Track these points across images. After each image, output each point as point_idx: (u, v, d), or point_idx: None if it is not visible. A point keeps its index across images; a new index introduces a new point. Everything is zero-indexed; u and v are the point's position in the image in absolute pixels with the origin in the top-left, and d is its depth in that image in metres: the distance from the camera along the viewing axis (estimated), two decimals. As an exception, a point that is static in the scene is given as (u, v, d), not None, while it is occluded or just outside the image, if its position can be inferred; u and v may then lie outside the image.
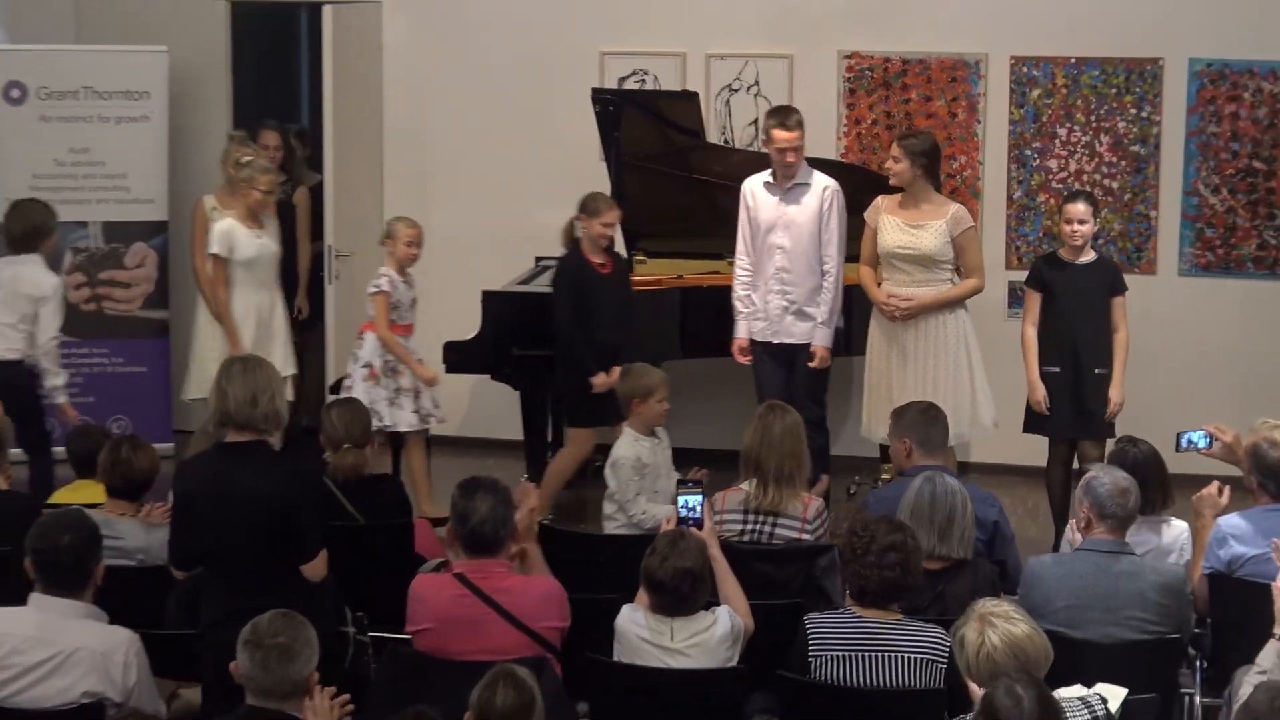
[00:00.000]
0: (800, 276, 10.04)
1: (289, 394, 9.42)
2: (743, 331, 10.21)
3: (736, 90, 12.04)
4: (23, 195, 11.53)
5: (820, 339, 10.05)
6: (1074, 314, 9.58)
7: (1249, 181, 11.46)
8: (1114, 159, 11.56)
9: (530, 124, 11.97)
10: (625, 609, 6.54)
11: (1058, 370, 9.60)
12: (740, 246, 10.20)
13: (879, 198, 10.08)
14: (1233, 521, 7.20)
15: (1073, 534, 7.17)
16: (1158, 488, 7.49)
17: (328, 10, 11.87)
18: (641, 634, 6.41)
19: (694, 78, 11.97)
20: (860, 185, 10.77)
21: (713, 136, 11.68)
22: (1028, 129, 11.68)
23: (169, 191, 12.04)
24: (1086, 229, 9.50)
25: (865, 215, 10.01)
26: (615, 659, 6.42)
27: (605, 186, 10.85)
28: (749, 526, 7.67)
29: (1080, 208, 9.55)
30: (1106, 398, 9.46)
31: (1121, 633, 6.66)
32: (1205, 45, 11.44)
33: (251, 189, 10.41)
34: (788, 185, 10.03)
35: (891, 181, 9.89)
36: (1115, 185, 11.49)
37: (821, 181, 10.11)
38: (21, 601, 6.30)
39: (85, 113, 11.88)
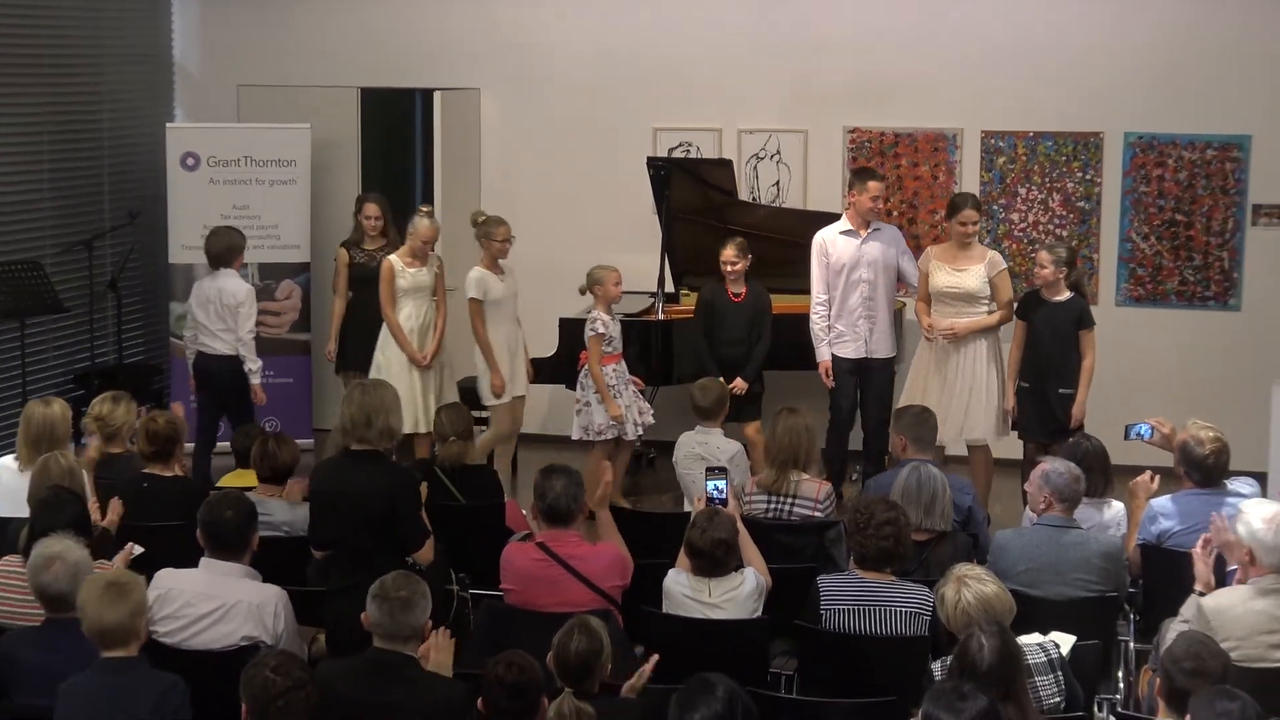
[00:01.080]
0: (880, 304, 9.94)
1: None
2: (825, 355, 10.03)
3: (762, 158, 11.99)
4: (197, 244, 11.66)
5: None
6: (1046, 342, 9.41)
7: (1172, 230, 11.39)
8: (1064, 213, 11.50)
9: (597, 185, 11.96)
10: (671, 572, 6.54)
11: (1028, 386, 9.47)
12: (818, 286, 10.04)
13: (930, 247, 10.07)
14: (1162, 503, 7.20)
15: (1030, 512, 7.13)
16: (1101, 475, 7.45)
17: (437, 95, 11.94)
18: (685, 592, 6.41)
19: (728, 148, 11.94)
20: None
21: (744, 195, 11.64)
22: (995, 189, 11.62)
23: (311, 239, 12.08)
24: (1045, 273, 9.31)
25: (919, 262, 9.92)
26: (664, 612, 6.42)
27: (658, 237, 10.86)
28: (771, 505, 7.66)
29: (1040, 255, 9.44)
30: (1069, 412, 9.36)
31: (1070, 591, 6.63)
32: (1137, 122, 11.40)
33: (491, 240, 10.15)
34: (869, 231, 9.91)
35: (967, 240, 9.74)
36: (1065, 234, 11.42)
37: (890, 230, 10.09)
38: (194, 564, 6.34)
39: (245, 177, 11.92)
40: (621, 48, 12.16)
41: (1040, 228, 11.47)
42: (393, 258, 10.28)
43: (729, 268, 9.98)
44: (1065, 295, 9.43)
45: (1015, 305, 9.66)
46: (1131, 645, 7.02)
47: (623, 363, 10.10)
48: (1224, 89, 11.26)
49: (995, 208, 11.56)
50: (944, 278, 9.68)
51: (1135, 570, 7.16)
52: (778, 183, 11.98)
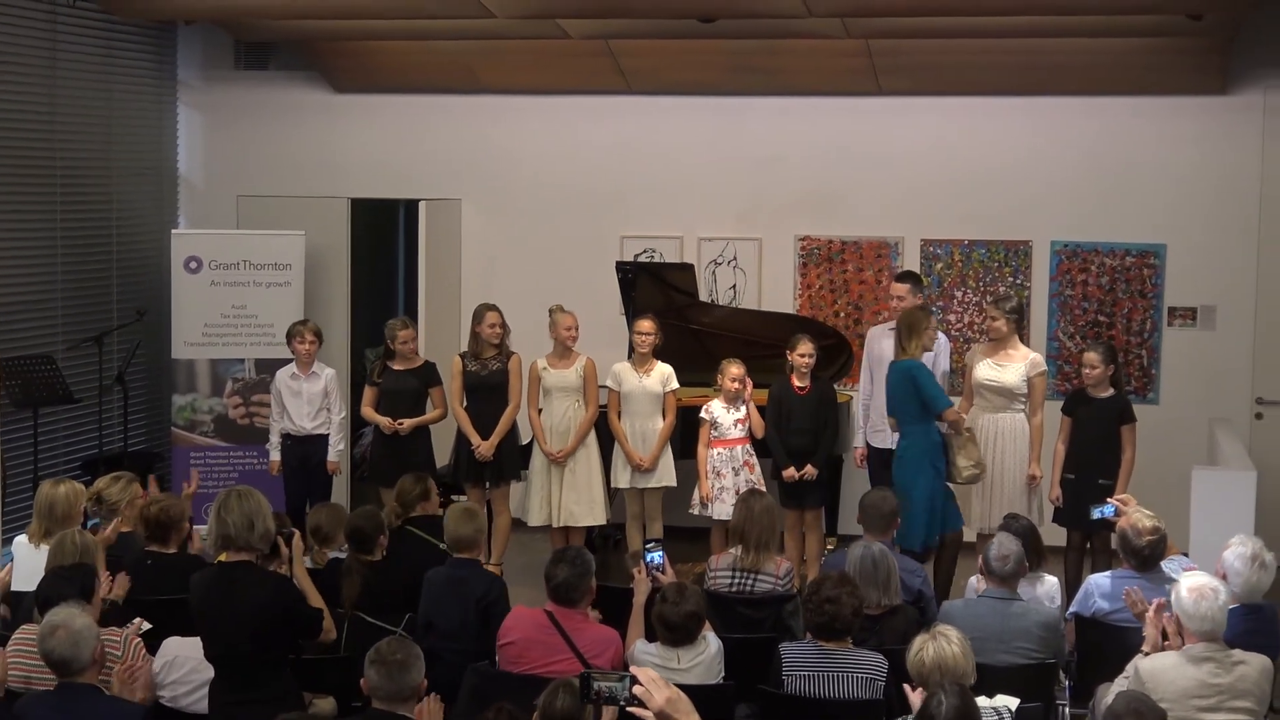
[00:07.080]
0: None
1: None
2: (859, 442, 10.10)
3: (720, 264, 12.05)
4: (198, 341, 11.57)
5: None
6: (1090, 437, 9.26)
7: (1095, 330, 11.45)
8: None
9: (570, 287, 11.86)
10: (639, 642, 6.54)
11: (1073, 478, 9.27)
12: (862, 376, 10.15)
13: (975, 345, 10.09)
14: (1100, 582, 7.20)
15: (978, 583, 7.10)
16: (1034, 553, 7.45)
17: (422, 205, 11.98)
18: (654, 661, 6.36)
19: (689, 253, 12.01)
20: (811, 333, 10.74)
21: (703, 297, 11.68)
22: (933, 291, 11.68)
23: (305, 337, 12.00)
24: (1095, 373, 9.23)
25: (966, 358, 9.94)
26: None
27: (626, 334, 10.84)
28: (736, 580, 7.61)
29: (1088, 355, 9.33)
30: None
31: (1012, 658, 6.62)
32: (1062, 231, 11.53)
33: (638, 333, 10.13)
34: None
35: (992, 336, 9.58)
36: (998, 333, 11.46)
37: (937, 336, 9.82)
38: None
39: (243, 279, 11.85)
40: (592, 162, 12.25)
41: (975, 328, 11.50)
42: (539, 360, 10.26)
43: (803, 360, 9.84)
44: (1109, 392, 9.31)
45: (1063, 403, 9.57)
46: (1067, 710, 6.98)
47: (737, 448, 9.93)
48: (1141, 202, 11.41)
49: (935, 309, 11.60)
50: (985, 371, 9.50)
51: (1070, 641, 7.16)
52: (734, 285, 12.02)
